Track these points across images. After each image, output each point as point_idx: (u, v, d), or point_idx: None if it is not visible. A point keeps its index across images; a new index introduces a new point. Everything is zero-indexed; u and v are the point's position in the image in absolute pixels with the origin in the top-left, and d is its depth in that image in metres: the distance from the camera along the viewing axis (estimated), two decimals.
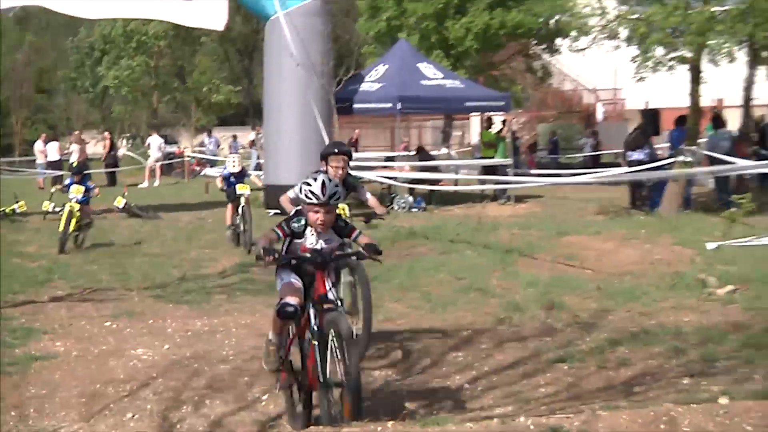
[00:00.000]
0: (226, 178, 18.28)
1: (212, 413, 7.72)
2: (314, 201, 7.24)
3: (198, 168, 39.94)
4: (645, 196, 21.84)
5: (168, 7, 24.56)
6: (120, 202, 24.53)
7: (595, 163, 35.78)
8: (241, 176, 18.28)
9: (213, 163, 38.80)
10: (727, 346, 9.33)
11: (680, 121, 23.61)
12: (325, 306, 7.51)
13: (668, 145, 24.53)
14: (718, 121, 24.66)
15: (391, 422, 6.22)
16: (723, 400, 5.83)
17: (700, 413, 5.51)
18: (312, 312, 7.53)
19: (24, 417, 7.59)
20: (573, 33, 25.30)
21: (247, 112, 64.39)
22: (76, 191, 17.66)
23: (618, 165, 28.15)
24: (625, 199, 22.40)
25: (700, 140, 22.97)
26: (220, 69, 66.28)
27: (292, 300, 7.21)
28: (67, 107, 62.92)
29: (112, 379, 8.68)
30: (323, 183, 7.21)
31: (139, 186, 35.64)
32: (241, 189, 17.87)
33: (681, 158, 21.66)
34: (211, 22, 24.80)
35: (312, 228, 7.70)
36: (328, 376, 7.38)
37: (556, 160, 38.51)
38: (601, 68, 40.09)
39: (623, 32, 22.74)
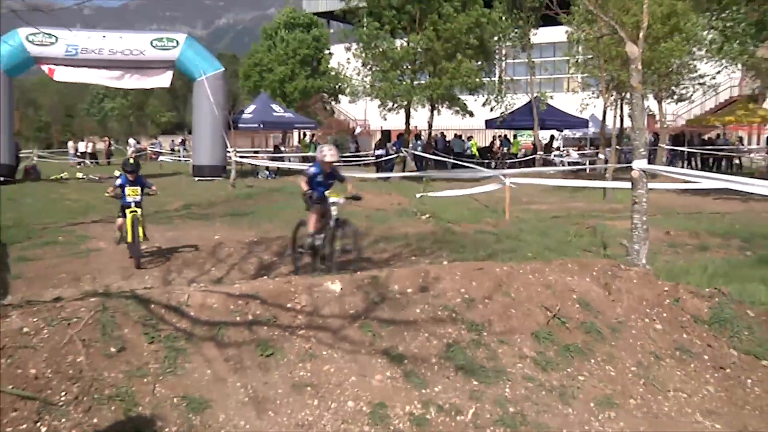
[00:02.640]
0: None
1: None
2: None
3: (154, 156, 37.88)
4: (384, 170, 22.29)
5: (133, 80, 22.98)
6: (117, 172, 23.51)
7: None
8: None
9: (161, 154, 38.08)
10: (428, 241, 9.73)
11: (399, 136, 24.59)
12: None
13: (394, 147, 24.82)
14: (417, 137, 25.63)
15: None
16: (444, 262, 6.09)
17: (432, 267, 5.60)
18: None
19: (85, 281, 7.35)
20: (347, 92, 25.95)
21: (179, 127, 61.58)
22: (133, 193, 8.64)
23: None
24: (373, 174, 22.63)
25: (410, 145, 23.85)
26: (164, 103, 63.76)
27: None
28: (82, 124, 60.85)
29: (132, 262, 8.39)
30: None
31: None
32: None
33: (402, 154, 22.43)
34: (161, 83, 23.50)
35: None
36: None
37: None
38: (359, 108, 40.40)
39: (373, 93, 23.35)
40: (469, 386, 4.43)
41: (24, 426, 3.42)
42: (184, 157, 34.78)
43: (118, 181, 8.82)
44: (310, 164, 8.75)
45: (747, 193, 11.27)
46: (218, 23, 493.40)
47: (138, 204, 8.68)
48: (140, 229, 8.52)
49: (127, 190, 8.69)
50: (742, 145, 29.88)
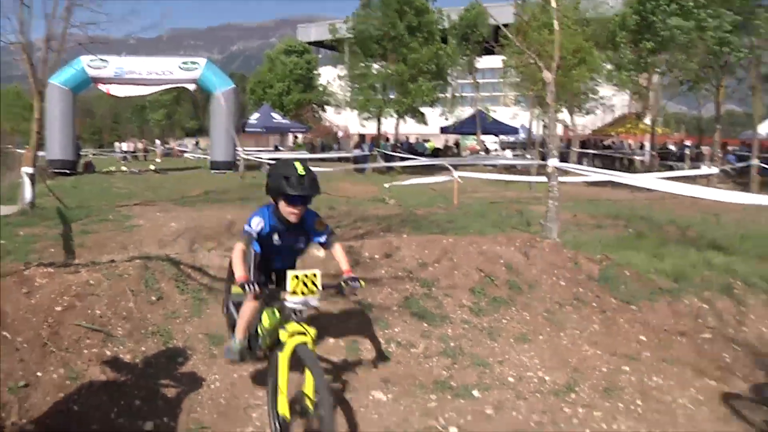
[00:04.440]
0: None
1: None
2: None
3: (180, 153, 36.84)
4: (360, 165, 22.09)
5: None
6: (152, 167, 23.36)
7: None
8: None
9: (185, 152, 36.95)
10: (394, 221, 9.36)
11: (372, 139, 24.26)
12: None
13: (368, 148, 24.61)
14: (386, 140, 25.40)
15: None
16: (404, 236, 6.10)
17: (394, 239, 5.70)
18: None
19: (131, 249, 7.13)
20: (332, 104, 25.68)
21: (200, 131, 60.36)
22: (298, 286, 2.60)
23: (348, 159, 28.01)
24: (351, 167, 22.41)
25: (379, 147, 23.65)
26: (188, 113, 62.18)
27: None
28: (125, 128, 59.86)
29: (165, 235, 8.13)
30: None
31: (156, 160, 32.73)
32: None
33: (374, 153, 22.30)
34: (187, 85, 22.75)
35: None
36: None
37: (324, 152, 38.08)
38: (341, 117, 39.67)
39: (353, 105, 23.13)
40: (420, 327, 4.58)
41: (96, 350, 3.65)
42: (199, 154, 34.29)
43: (256, 224, 2.98)
44: None
45: (631, 185, 11.55)
46: (231, 49, 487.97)
47: (302, 316, 2.85)
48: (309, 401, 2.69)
49: (278, 260, 3.11)
50: (630, 149, 30.97)
